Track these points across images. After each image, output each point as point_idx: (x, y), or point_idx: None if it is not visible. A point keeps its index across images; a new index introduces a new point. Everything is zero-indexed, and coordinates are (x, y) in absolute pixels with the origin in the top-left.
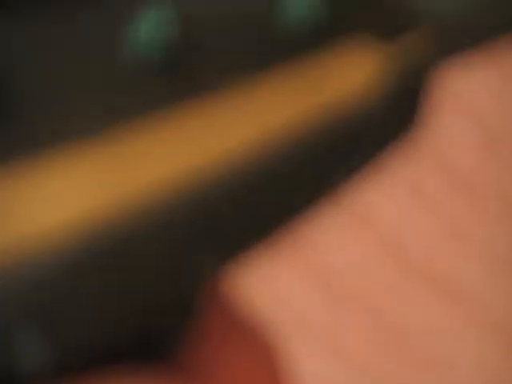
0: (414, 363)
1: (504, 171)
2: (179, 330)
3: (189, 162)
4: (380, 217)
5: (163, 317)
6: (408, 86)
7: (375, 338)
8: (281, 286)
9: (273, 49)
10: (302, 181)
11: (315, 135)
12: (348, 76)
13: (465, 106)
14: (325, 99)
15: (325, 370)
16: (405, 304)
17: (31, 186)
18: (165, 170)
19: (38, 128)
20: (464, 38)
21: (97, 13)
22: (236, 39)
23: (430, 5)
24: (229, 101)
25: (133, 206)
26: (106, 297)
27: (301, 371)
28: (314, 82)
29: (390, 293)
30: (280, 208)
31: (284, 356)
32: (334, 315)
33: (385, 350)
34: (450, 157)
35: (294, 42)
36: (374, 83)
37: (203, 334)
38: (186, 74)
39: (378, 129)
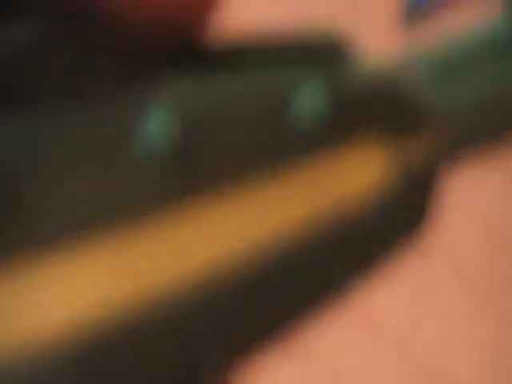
0: None
1: (511, 266)
2: None
3: (200, 256)
4: (387, 319)
5: None
6: (417, 184)
7: None
8: None
9: (281, 145)
10: (309, 278)
11: (323, 233)
12: (357, 173)
13: (471, 204)
14: (333, 196)
15: None
16: None
17: (41, 280)
18: (176, 264)
19: (49, 222)
20: (472, 138)
21: (107, 113)
22: (245, 135)
23: (440, 105)
24: (238, 196)
25: (142, 302)
26: None
27: None
28: (322, 179)
29: None
30: (288, 306)
31: None
32: None
33: None
34: (457, 255)
35: (303, 139)
36: (383, 180)
37: None
38: (194, 170)
39: (386, 226)
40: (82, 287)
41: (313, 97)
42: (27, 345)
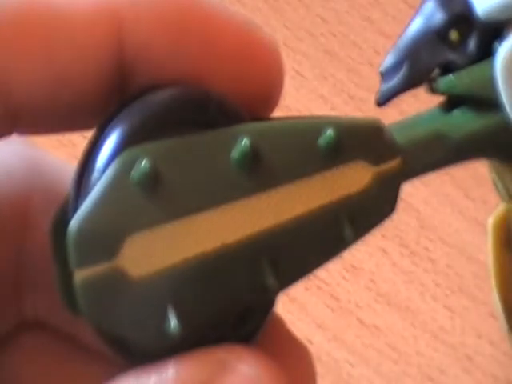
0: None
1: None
2: (261, 322)
3: (267, 220)
4: (363, 261)
5: (250, 313)
6: (388, 189)
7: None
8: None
9: (310, 161)
10: (329, 238)
11: (333, 212)
12: (354, 179)
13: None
14: (338, 194)
15: None
16: None
17: (186, 228)
18: (248, 225)
19: (182, 196)
20: (422, 164)
21: (213, 138)
22: (291, 153)
23: (401, 143)
24: (285, 187)
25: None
26: (216, 292)
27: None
28: (331, 184)
29: None
30: (316, 255)
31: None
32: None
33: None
34: (402, 227)
35: (324, 159)
36: (368, 187)
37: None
38: (262, 171)
39: (369, 213)
40: (211, 231)
41: (329, 134)
42: (183, 263)
